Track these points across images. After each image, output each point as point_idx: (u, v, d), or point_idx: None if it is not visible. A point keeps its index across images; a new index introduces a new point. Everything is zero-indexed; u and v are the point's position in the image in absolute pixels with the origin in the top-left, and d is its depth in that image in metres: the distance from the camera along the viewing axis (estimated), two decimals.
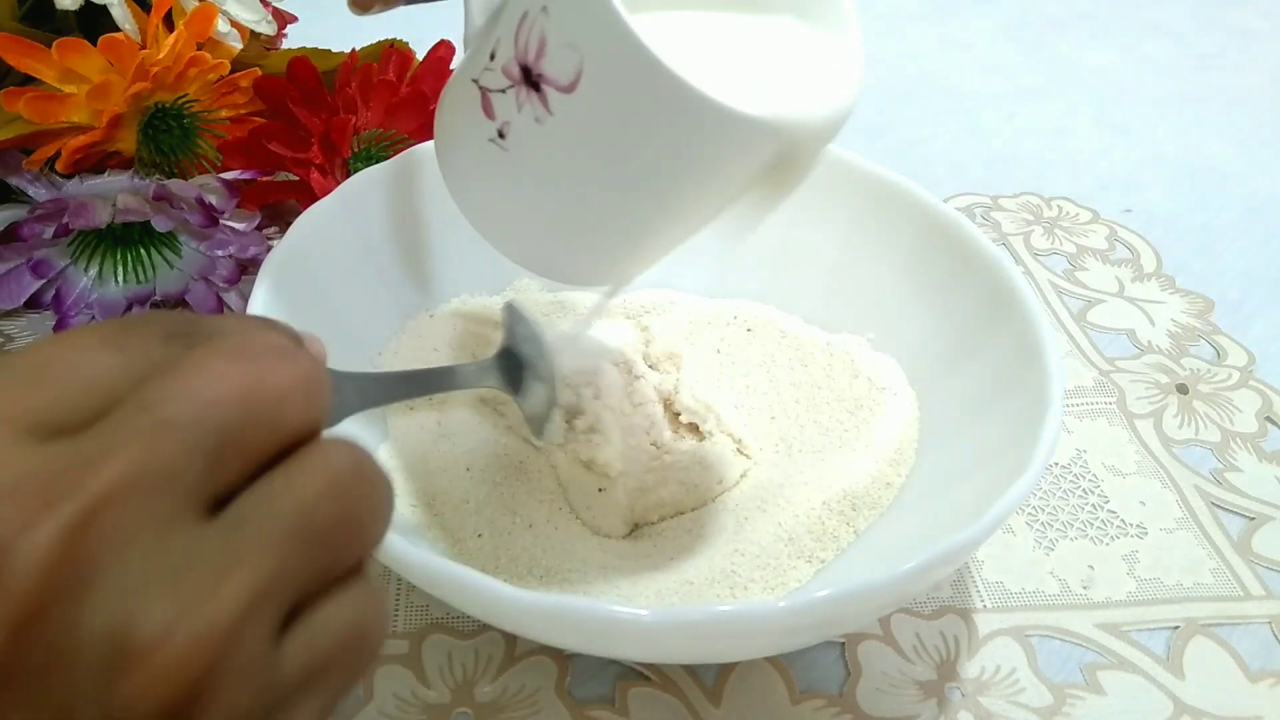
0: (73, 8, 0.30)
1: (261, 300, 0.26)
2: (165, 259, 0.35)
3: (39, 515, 0.10)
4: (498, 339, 0.27)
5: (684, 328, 0.33)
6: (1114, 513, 0.31)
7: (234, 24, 0.33)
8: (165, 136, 0.33)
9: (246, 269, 0.34)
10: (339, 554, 0.12)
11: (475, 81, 0.22)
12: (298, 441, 0.12)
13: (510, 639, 0.26)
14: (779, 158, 0.20)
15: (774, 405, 0.31)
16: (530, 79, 0.20)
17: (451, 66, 0.37)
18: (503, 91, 0.21)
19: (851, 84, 0.21)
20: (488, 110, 0.21)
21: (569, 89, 0.19)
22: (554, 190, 0.21)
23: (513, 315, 0.26)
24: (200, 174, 0.33)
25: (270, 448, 0.12)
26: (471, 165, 0.23)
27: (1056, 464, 0.32)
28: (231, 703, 0.11)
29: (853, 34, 0.21)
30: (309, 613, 0.12)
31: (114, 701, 0.10)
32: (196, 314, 0.13)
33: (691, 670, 0.26)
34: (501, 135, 0.21)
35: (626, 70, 0.18)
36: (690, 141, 0.19)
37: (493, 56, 0.21)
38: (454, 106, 0.23)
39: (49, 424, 0.11)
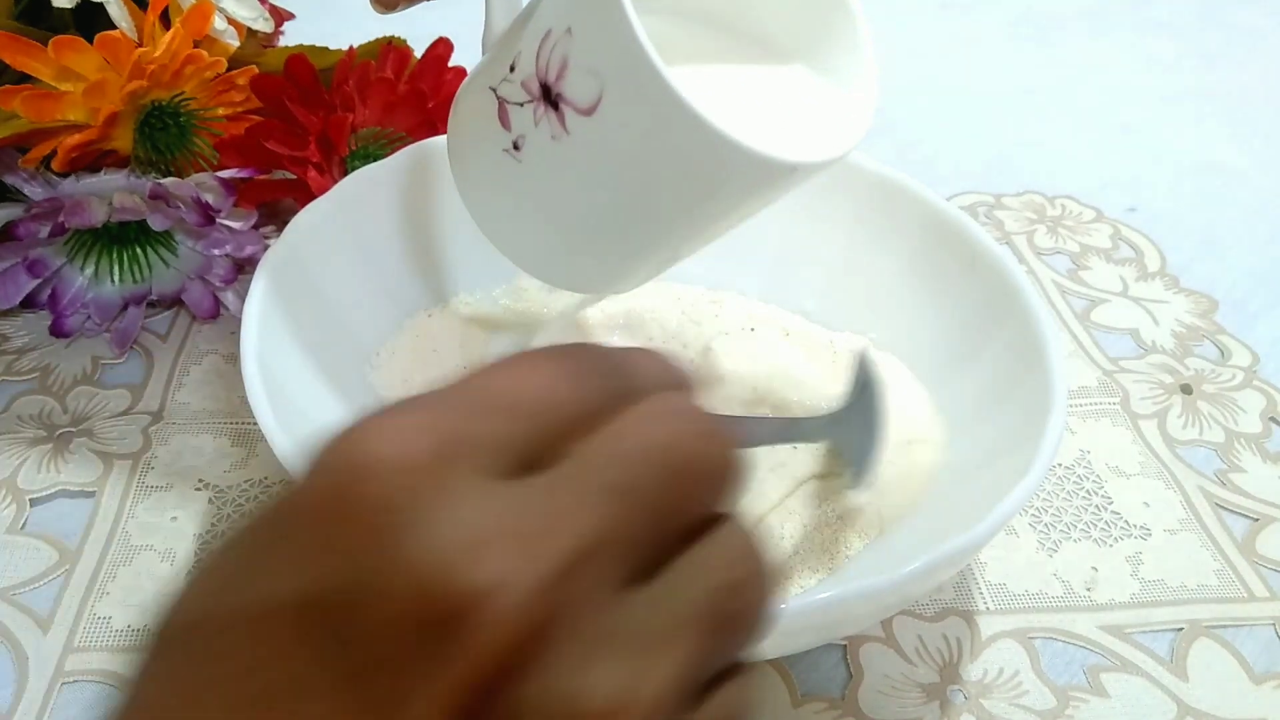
0: (69, 6, 0.30)
1: (258, 299, 0.26)
2: (162, 258, 0.35)
3: (520, 566, 0.10)
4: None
5: (679, 322, 0.33)
6: (1117, 514, 0.31)
7: (231, 21, 0.33)
8: (162, 135, 0.33)
9: (243, 268, 0.34)
10: (743, 639, 0.12)
11: (493, 90, 0.22)
12: (713, 515, 0.12)
13: None
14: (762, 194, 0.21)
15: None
16: (550, 97, 0.20)
17: (453, 63, 0.36)
18: (520, 105, 0.21)
19: (857, 131, 0.21)
20: (504, 121, 0.21)
21: (588, 112, 0.19)
22: (565, 205, 0.22)
23: (865, 368, 0.26)
24: (197, 172, 0.33)
25: (697, 519, 0.12)
26: (483, 172, 0.23)
27: (1060, 465, 0.32)
28: None
29: (867, 82, 0.22)
30: (710, 694, 0.12)
31: None
32: (620, 351, 0.13)
33: None
34: (516, 147, 0.21)
35: (645, 100, 0.18)
36: (703, 174, 0.19)
37: (513, 69, 0.21)
38: (470, 111, 0.23)
39: (511, 454, 0.11)
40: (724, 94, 0.22)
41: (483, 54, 0.24)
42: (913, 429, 0.28)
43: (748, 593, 0.12)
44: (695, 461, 0.12)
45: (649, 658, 0.11)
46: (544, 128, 0.20)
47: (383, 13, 0.23)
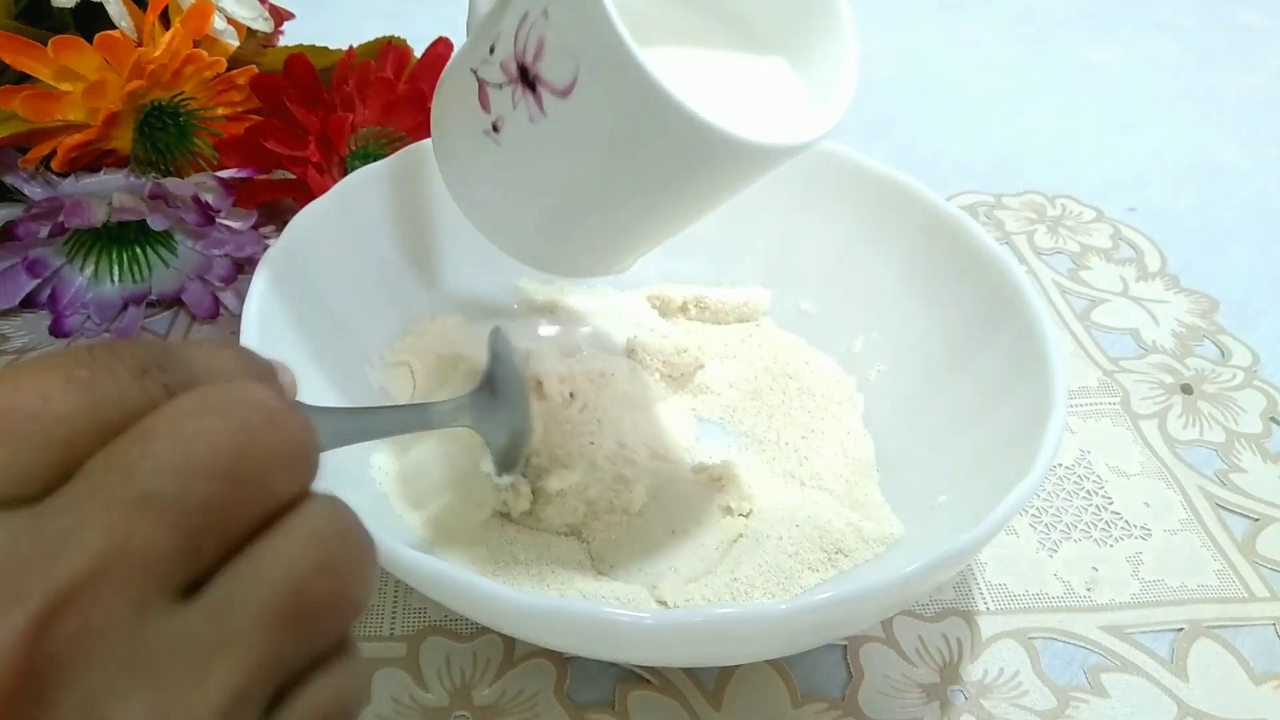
0: (69, 5, 0.30)
1: (257, 299, 0.26)
2: (161, 258, 0.35)
3: (4, 609, 0.09)
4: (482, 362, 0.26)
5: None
6: (1118, 514, 0.31)
7: (230, 21, 0.33)
8: (161, 135, 0.33)
9: (243, 268, 0.34)
10: (328, 628, 0.11)
11: (474, 72, 0.22)
12: (285, 505, 0.11)
13: (509, 642, 0.26)
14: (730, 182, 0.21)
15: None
16: (527, 79, 0.20)
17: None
18: (499, 87, 0.21)
19: (830, 117, 0.21)
20: (484, 103, 0.21)
21: (564, 93, 0.19)
22: (544, 186, 0.22)
23: (498, 343, 0.25)
24: (196, 172, 0.33)
25: (255, 521, 0.11)
26: (465, 155, 0.23)
27: (1060, 465, 0.32)
28: None
29: (846, 70, 0.21)
30: (295, 693, 0.11)
31: None
32: (166, 344, 0.12)
33: (692, 673, 0.25)
34: (496, 129, 0.21)
35: (619, 82, 0.18)
36: (676, 155, 0.20)
37: (492, 50, 0.21)
38: (451, 94, 0.23)
39: (13, 487, 0.10)
40: (698, 76, 0.22)
41: (466, 36, 0.24)
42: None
43: (322, 580, 0.11)
44: (246, 452, 0.11)
45: (193, 677, 0.10)
46: (522, 109, 0.20)
47: None
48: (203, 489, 0.10)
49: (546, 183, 0.22)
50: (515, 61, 0.20)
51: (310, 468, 0.12)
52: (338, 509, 0.12)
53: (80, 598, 0.09)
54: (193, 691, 0.10)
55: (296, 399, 0.14)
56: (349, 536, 0.12)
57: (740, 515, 0.28)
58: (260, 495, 0.11)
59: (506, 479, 0.26)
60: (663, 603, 0.25)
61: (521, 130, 0.21)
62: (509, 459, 0.26)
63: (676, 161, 0.20)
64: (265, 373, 0.13)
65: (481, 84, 0.21)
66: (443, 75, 0.24)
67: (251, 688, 0.10)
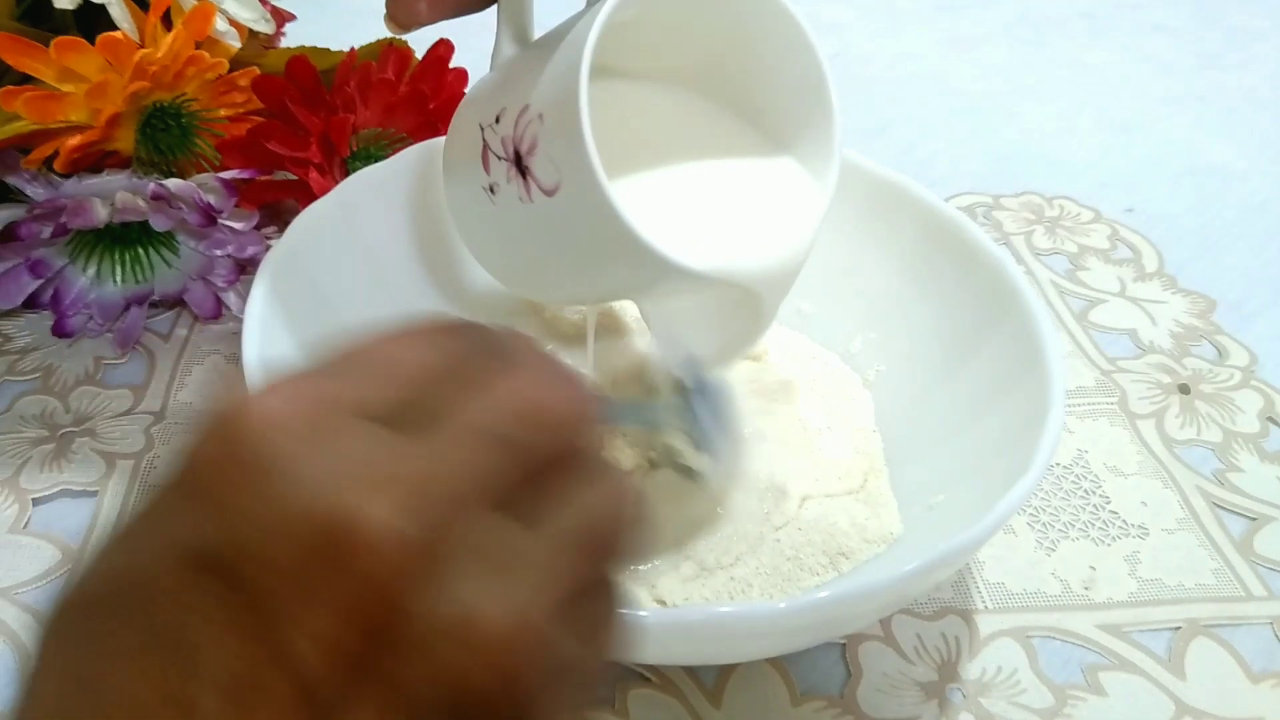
0: (71, 7, 0.30)
1: (259, 300, 0.26)
2: (163, 258, 0.35)
3: (390, 502, 0.11)
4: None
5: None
6: (1115, 513, 0.31)
7: (232, 23, 0.33)
8: (163, 136, 0.33)
9: (245, 268, 0.34)
10: (608, 564, 0.14)
11: (481, 129, 0.23)
12: (573, 459, 0.14)
13: None
14: (740, 300, 0.23)
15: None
16: (520, 165, 0.21)
17: (454, 64, 0.36)
18: (499, 158, 0.22)
19: (795, 250, 0.23)
20: (485, 164, 0.23)
21: (549, 193, 0.21)
22: (526, 250, 0.24)
23: (692, 364, 0.26)
24: (199, 173, 0.33)
25: (557, 462, 0.14)
26: (465, 198, 0.25)
27: (1058, 464, 0.32)
28: (546, 684, 0.12)
29: (822, 190, 0.23)
30: (585, 614, 0.13)
31: (462, 682, 0.11)
32: (484, 326, 0.15)
33: (692, 671, 0.26)
34: (492, 191, 0.23)
35: (592, 212, 0.20)
36: (635, 273, 0.22)
37: (498, 120, 0.22)
38: (460, 140, 0.24)
39: (387, 414, 0.12)
40: (675, 179, 0.23)
41: (490, 68, 0.25)
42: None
43: (614, 520, 0.14)
44: (548, 409, 0.13)
45: (528, 579, 0.12)
46: (514, 187, 0.22)
47: (397, 32, 0.24)
48: (533, 435, 0.13)
49: (528, 249, 0.24)
50: (513, 145, 0.22)
51: (592, 427, 0.14)
52: (620, 473, 0.14)
53: (446, 501, 0.11)
54: (529, 592, 0.12)
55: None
56: (631, 495, 0.14)
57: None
58: (561, 443, 0.14)
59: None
60: (661, 602, 0.25)
61: (511, 203, 0.22)
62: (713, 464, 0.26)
63: (634, 275, 0.22)
64: (548, 355, 0.15)
65: (485, 145, 0.23)
66: (458, 113, 0.25)
67: (568, 593, 0.12)
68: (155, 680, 0.11)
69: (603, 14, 0.20)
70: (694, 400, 0.26)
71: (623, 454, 0.28)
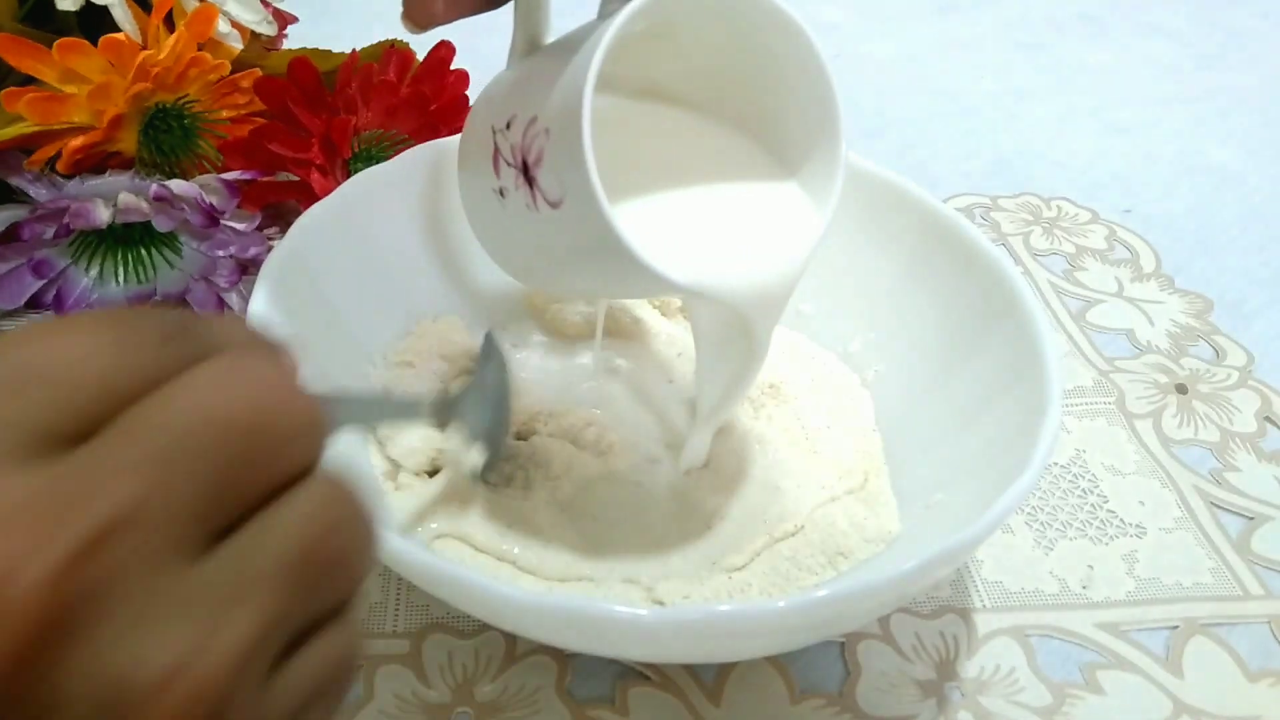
0: (73, 8, 0.30)
1: (261, 301, 0.26)
2: (166, 259, 0.35)
3: (37, 548, 0.10)
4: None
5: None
6: (1113, 512, 0.31)
7: (234, 24, 0.33)
8: (166, 137, 0.33)
9: (247, 269, 0.35)
10: (334, 590, 0.12)
11: (493, 131, 0.23)
12: (292, 473, 0.12)
13: (510, 638, 0.26)
14: (734, 324, 0.23)
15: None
16: (528, 175, 0.22)
17: (455, 66, 0.37)
18: (508, 164, 0.22)
19: (785, 272, 0.23)
20: (495, 167, 0.23)
21: (554, 205, 0.21)
22: (532, 252, 0.24)
23: (488, 346, 0.27)
24: (201, 174, 0.33)
25: (272, 482, 0.12)
26: (477, 196, 0.25)
27: (1056, 464, 0.33)
28: None
29: (819, 222, 0.23)
30: (300, 651, 0.12)
31: None
32: (187, 314, 0.12)
33: (691, 670, 0.26)
34: (502, 194, 0.23)
35: (590, 225, 0.20)
36: (634, 285, 0.23)
37: (508, 126, 0.22)
38: (474, 139, 0.25)
39: (46, 433, 0.10)
40: (671, 208, 0.24)
41: (507, 65, 0.25)
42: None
43: (333, 541, 0.12)
44: (260, 417, 0.11)
45: (212, 620, 0.10)
46: (522, 194, 0.22)
47: (415, 31, 0.24)
48: (223, 450, 0.11)
49: (534, 251, 0.24)
50: (520, 154, 0.22)
51: (320, 441, 0.12)
52: (345, 482, 0.12)
53: (107, 544, 0.10)
54: (215, 634, 0.10)
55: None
56: (356, 506, 0.12)
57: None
58: (275, 460, 0.12)
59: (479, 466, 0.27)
60: (659, 602, 0.25)
61: (519, 209, 0.22)
62: (491, 454, 0.27)
63: (634, 287, 0.23)
64: (275, 350, 0.13)
65: (496, 150, 0.23)
66: (474, 107, 0.25)
67: (267, 635, 0.11)
68: None
69: (610, 32, 0.20)
70: (470, 388, 0.26)
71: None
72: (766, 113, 0.24)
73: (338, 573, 0.12)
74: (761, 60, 0.23)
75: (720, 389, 0.26)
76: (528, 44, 0.24)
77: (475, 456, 0.27)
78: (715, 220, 0.24)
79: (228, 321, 0.13)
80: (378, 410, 0.23)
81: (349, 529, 0.12)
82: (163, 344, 0.12)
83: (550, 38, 0.25)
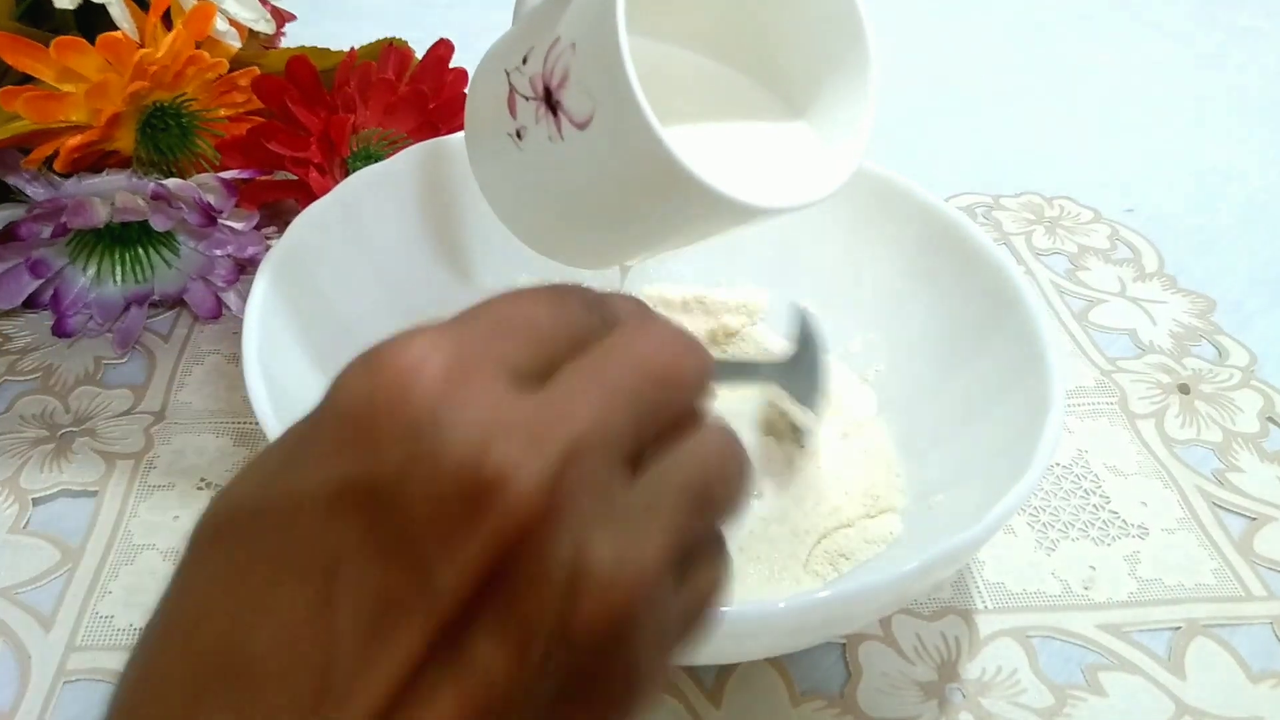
0: (71, 7, 0.30)
1: (260, 300, 0.26)
2: (163, 258, 0.35)
3: (536, 454, 0.12)
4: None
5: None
6: (1115, 513, 0.31)
7: (232, 23, 0.33)
8: (163, 135, 0.33)
9: (245, 268, 0.34)
10: (718, 519, 0.15)
11: (507, 74, 0.22)
12: (690, 416, 0.15)
13: None
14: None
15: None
16: (550, 101, 0.21)
17: (454, 64, 0.36)
18: (526, 99, 0.22)
19: (827, 185, 0.23)
20: (511, 108, 0.22)
21: (581, 126, 0.20)
22: (556, 196, 0.23)
23: (807, 321, 0.29)
24: (199, 173, 0.33)
25: (677, 419, 0.14)
26: (490, 150, 0.24)
27: (1058, 464, 0.32)
28: (652, 628, 0.13)
29: (858, 134, 0.23)
30: (691, 569, 0.14)
31: (574, 618, 0.12)
32: (596, 290, 0.15)
33: (691, 671, 0.25)
34: (519, 135, 0.22)
35: (628, 135, 0.20)
36: (673, 204, 0.21)
37: (525, 60, 0.22)
38: (484, 87, 0.24)
39: (525, 368, 0.13)
40: (705, 131, 0.23)
41: (513, 22, 0.24)
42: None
43: (723, 477, 0.14)
44: (673, 369, 0.14)
45: (643, 529, 0.13)
46: (543, 127, 0.21)
47: None
48: (650, 391, 0.14)
49: (558, 194, 0.23)
50: (542, 82, 0.21)
51: (710, 388, 0.15)
52: (731, 431, 0.15)
53: (580, 456, 0.12)
54: (643, 541, 0.13)
55: None
56: (739, 451, 0.15)
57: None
58: (682, 402, 0.14)
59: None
60: None
61: (541, 145, 0.22)
62: (812, 411, 0.29)
63: (673, 208, 0.21)
64: (657, 314, 0.16)
65: (512, 89, 0.22)
66: (480, 63, 0.25)
67: (676, 547, 0.13)
68: (301, 592, 0.12)
69: None
70: (801, 357, 0.28)
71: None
72: (785, 55, 0.24)
73: (723, 504, 0.14)
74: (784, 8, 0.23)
75: None
76: None
77: (808, 419, 0.29)
78: (746, 144, 0.23)
79: (621, 296, 0.16)
80: (735, 371, 0.26)
81: (734, 469, 0.15)
82: (589, 309, 0.15)
83: None
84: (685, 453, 0.14)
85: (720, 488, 0.14)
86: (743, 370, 0.28)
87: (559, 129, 0.21)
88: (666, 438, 0.14)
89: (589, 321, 0.14)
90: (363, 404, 0.12)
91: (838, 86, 0.23)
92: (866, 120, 0.23)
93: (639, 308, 0.16)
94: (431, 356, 0.12)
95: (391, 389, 0.12)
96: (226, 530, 0.13)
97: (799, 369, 0.29)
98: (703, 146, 0.22)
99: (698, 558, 0.14)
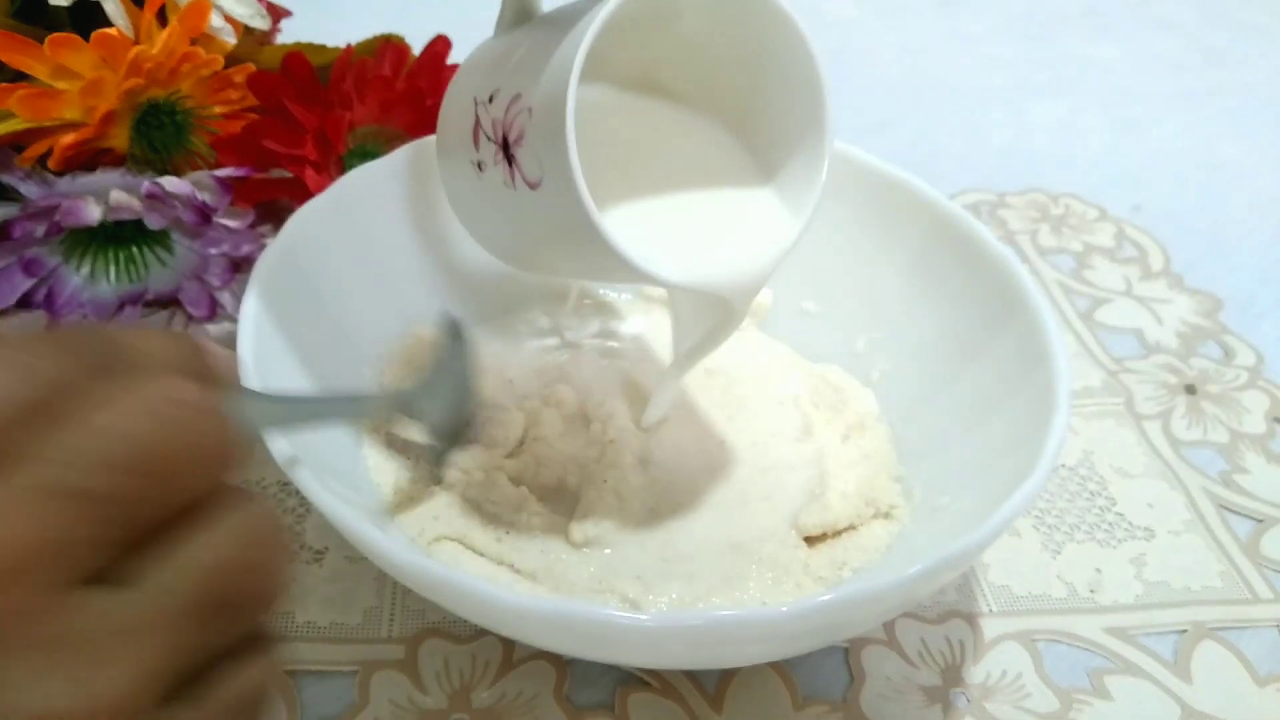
0: (65, 4, 0.30)
1: (255, 299, 0.26)
2: (158, 257, 0.34)
3: None
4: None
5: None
6: (1121, 515, 0.31)
7: (228, 19, 0.32)
8: (158, 133, 0.33)
9: (240, 267, 0.34)
10: (242, 619, 0.12)
11: (475, 102, 0.23)
12: (209, 497, 0.12)
13: (508, 644, 0.26)
14: (711, 302, 0.24)
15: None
16: (507, 152, 0.22)
17: (451, 61, 0.36)
18: (488, 139, 0.22)
19: (762, 264, 0.23)
20: (475, 140, 0.23)
21: (532, 186, 0.21)
22: (513, 228, 0.24)
23: (449, 328, 0.26)
24: (193, 171, 0.33)
25: (167, 513, 0.11)
26: (455, 168, 0.25)
27: (1063, 465, 0.32)
28: None
29: (801, 207, 0.24)
30: (209, 681, 0.12)
31: None
32: (109, 333, 0.12)
33: (693, 676, 0.25)
34: (480, 167, 0.23)
35: (569, 207, 0.20)
36: (610, 273, 0.23)
37: (491, 100, 0.22)
38: (455, 108, 0.24)
39: None
40: (651, 201, 0.24)
41: (494, 33, 0.24)
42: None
43: (243, 570, 0.12)
44: (165, 449, 0.11)
45: (109, 657, 0.10)
46: (500, 170, 0.22)
47: None
48: (113, 480, 0.11)
49: (513, 226, 0.24)
50: (502, 130, 0.22)
51: (226, 464, 0.12)
52: (257, 507, 0.12)
53: (7, 580, 0.10)
54: (102, 671, 0.10)
55: (232, 384, 0.14)
56: (266, 533, 0.12)
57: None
58: (172, 489, 0.11)
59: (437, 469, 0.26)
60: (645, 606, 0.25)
61: (497, 184, 0.22)
62: (447, 442, 0.26)
63: (619, 275, 0.23)
64: (200, 365, 0.13)
65: (478, 121, 0.23)
66: (459, 74, 0.25)
67: (159, 671, 0.11)
68: None
69: (599, 20, 0.19)
70: (436, 378, 0.25)
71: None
72: (757, 111, 0.24)
73: (245, 603, 0.12)
74: (757, 57, 0.23)
75: (693, 345, 0.26)
76: (517, 12, 0.24)
77: (432, 451, 0.26)
78: (692, 215, 0.24)
79: (154, 337, 0.12)
80: (325, 409, 0.22)
81: (257, 558, 0.12)
82: (76, 364, 0.11)
83: (542, 6, 0.24)
84: (188, 551, 0.11)
85: (241, 584, 0.12)
86: (341, 407, 0.23)
87: (513, 178, 0.21)
88: (171, 530, 0.11)
89: (67, 376, 0.11)
90: None
91: (796, 151, 0.24)
92: (814, 191, 0.24)
93: (172, 353, 0.12)
94: None
95: None
96: None
97: (433, 391, 0.24)
98: (645, 215, 0.23)
99: (223, 667, 0.12)
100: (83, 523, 0.10)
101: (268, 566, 0.12)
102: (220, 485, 0.12)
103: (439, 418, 0.25)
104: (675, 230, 0.23)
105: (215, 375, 0.13)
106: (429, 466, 0.27)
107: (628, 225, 0.21)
